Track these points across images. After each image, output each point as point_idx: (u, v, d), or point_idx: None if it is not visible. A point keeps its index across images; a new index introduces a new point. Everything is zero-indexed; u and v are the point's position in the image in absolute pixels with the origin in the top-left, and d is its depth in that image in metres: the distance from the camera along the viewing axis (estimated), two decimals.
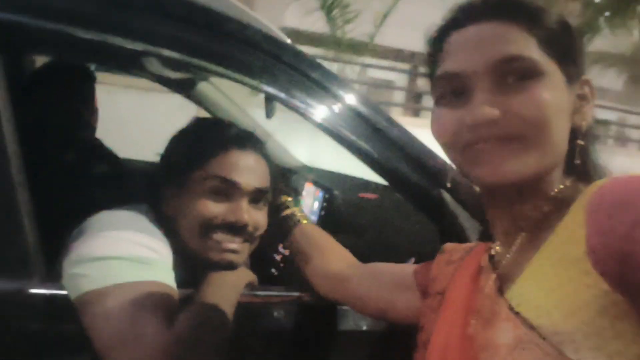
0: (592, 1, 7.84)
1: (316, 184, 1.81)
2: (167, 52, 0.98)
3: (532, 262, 0.62)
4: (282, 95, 1.04)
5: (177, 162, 1.02)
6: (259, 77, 1.03)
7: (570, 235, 0.58)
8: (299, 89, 1.05)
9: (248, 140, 1.05)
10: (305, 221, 1.14)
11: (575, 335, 0.53)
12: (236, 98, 2.01)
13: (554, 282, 0.57)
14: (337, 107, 1.07)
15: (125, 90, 4.10)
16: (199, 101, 1.99)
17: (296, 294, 1.06)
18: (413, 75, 9.13)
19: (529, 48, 0.62)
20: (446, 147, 0.68)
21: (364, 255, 1.08)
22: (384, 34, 8.27)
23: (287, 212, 1.14)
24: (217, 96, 1.96)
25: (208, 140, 1.02)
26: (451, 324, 0.70)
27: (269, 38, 1.05)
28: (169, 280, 0.92)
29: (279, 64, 1.04)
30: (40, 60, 1.85)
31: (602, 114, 8.80)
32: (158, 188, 1.03)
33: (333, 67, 7.85)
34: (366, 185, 1.76)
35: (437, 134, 0.68)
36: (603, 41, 7.99)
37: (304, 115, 1.05)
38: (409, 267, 0.93)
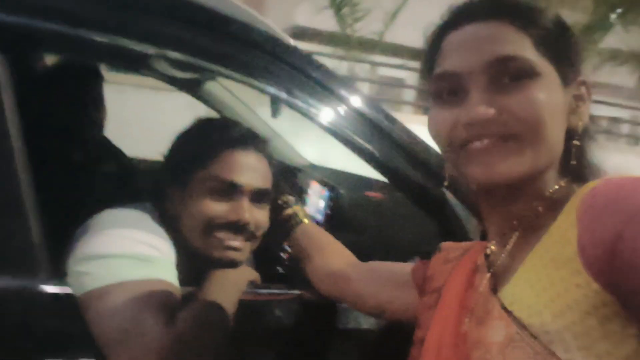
0: None
1: (322, 182, 1.81)
2: (174, 54, 1.00)
3: (525, 262, 0.63)
4: (285, 95, 1.05)
5: (180, 162, 1.04)
6: (262, 78, 1.04)
7: (562, 235, 0.59)
8: (301, 89, 1.06)
9: (250, 139, 1.06)
10: (307, 220, 1.15)
11: (564, 335, 0.54)
12: (245, 97, 2.02)
13: (546, 281, 0.58)
14: (339, 107, 1.08)
15: (134, 89, 4.12)
16: (207, 100, 2.00)
17: (297, 292, 1.07)
18: None
19: (525, 48, 0.62)
20: (442, 145, 0.68)
21: (369, 253, 1.08)
22: (395, 32, 8.25)
23: (289, 211, 1.15)
24: (225, 95, 1.97)
25: (210, 141, 1.03)
26: (446, 321, 0.71)
27: (272, 39, 1.06)
28: (171, 278, 0.93)
29: (282, 65, 1.05)
30: (50, 60, 1.87)
31: (615, 112, 8.71)
32: (162, 187, 1.05)
33: (343, 65, 7.85)
34: (373, 184, 1.76)
35: (434, 133, 0.68)
36: (615, 38, 7.92)
37: (306, 115, 1.06)
38: (407, 266, 0.93)
